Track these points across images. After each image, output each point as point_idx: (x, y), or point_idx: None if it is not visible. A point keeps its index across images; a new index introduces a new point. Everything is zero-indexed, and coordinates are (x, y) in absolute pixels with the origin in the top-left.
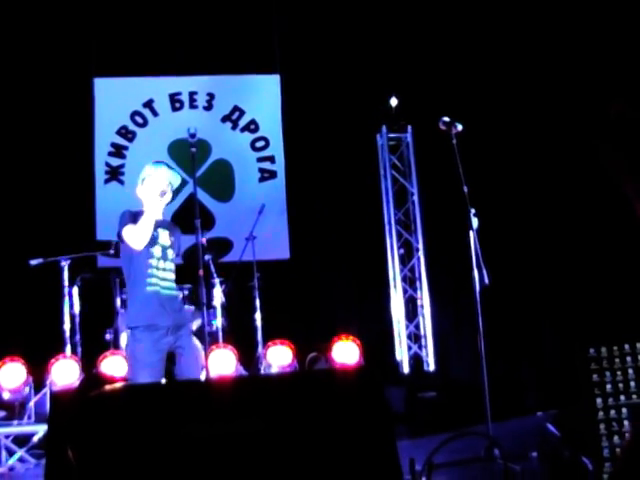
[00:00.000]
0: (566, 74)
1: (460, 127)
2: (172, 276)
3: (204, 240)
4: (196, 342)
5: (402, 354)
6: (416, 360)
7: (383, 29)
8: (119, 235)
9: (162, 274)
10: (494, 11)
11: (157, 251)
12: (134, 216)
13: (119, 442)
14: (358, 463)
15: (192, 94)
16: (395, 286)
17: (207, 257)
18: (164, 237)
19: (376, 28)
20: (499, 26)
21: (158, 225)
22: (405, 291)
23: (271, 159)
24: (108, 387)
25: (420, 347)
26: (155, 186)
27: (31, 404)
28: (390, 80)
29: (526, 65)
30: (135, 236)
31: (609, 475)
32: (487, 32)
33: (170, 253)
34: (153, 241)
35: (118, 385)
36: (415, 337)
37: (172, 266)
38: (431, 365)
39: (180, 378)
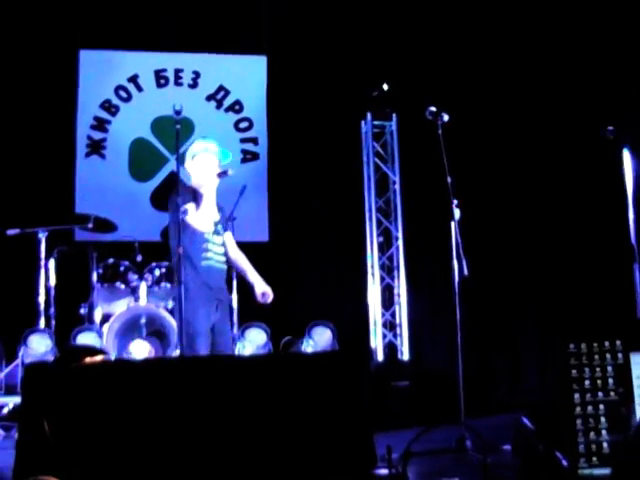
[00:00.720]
0: (554, 64)
1: (446, 117)
2: (223, 250)
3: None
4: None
5: (377, 342)
6: (390, 348)
7: (372, 15)
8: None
9: (216, 249)
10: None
11: (211, 226)
12: (190, 192)
13: (94, 415)
14: (333, 448)
15: (178, 71)
16: (373, 274)
17: None
18: (215, 213)
19: (365, 14)
20: (487, 16)
21: None
22: (382, 279)
23: (254, 140)
24: (88, 360)
25: (395, 336)
26: (209, 164)
27: (2, 375)
28: (377, 67)
29: (514, 57)
30: (201, 220)
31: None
32: (475, 22)
33: (220, 228)
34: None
35: (98, 358)
36: (390, 325)
37: (222, 241)
38: (405, 354)
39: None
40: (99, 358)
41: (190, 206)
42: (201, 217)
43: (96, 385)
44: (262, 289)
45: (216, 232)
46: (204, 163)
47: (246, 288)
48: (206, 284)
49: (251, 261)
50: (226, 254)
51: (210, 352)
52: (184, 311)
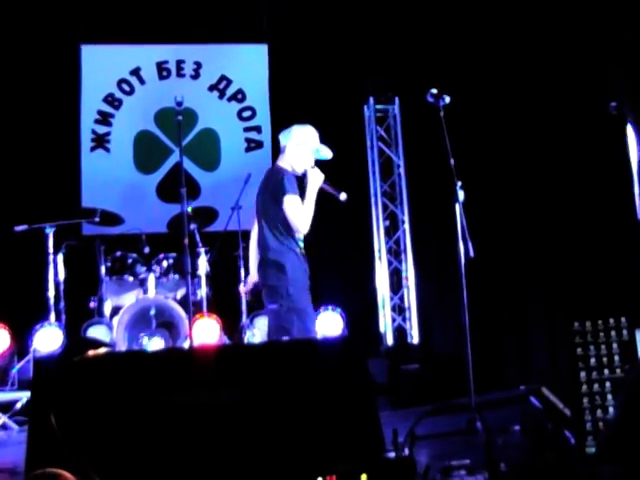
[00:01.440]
0: (555, 41)
1: (448, 99)
2: None
3: (189, 209)
4: None
5: (386, 326)
6: (400, 332)
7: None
8: (283, 196)
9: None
10: None
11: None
12: (295, 181)
13: (101, 408)
14: (341, 434)
15: (179, 62)
16: (380, 258)
17: (192, 226)
18: None
19: None
20: None
21: None
22: (390, 263)
23: (257, 129)
24: (91, 353)
25: (404, 319)
26: (312, 156)
27: (14, 371)
28: (378, 51)
29: (514, 36)
30: (305, 219)
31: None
32: (475, 3)
33: None
34: None
35: (101, 351)
36: (399, 309)
37: None
38: (415, 337)
39: None
40: (102, 351)
41: (296, 197)
42: (305, 207)
43: (102, 377)
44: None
45: None
46: (310, 156)
47: None
48: (306, 271)
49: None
50: None
51: None
52: (293, 295)
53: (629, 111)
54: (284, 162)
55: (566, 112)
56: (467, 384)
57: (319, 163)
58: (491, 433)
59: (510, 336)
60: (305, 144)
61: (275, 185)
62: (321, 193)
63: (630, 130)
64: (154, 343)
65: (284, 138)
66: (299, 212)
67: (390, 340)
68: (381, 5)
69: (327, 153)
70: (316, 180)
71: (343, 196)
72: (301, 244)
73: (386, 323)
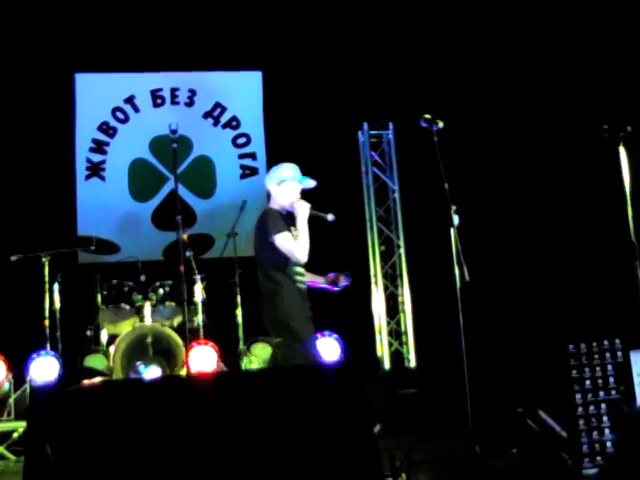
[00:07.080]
0: (547, 65)
1: (441, 124)
2: None
3: (185, 236)
4: None
5: (383, 350)
6: (397, 356)
7: (365, 25)
8: (270, 238)
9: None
10: (475, 7)
11: None
12: (284, 220)
13: (97, 437)
14: (338, 459)
15: (173, 90)
16: (376, 283)
17: (188, 253)
18: None
19: (358, 24)
20: (479, 20)
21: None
22: (386, 288)
23: (252, 156)
24: (86, 382)
25: (401, 344)
26: (295, 190)
27: (11, 400)
28: (372, 77)
29: (506, 60)
30: (302, 250)
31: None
32: (468, 26)
33: None
34: None
35: (96, 380)
36: (396, 334)
37: None
38: (412, 361)
39: None
40: (97, 380)
41: (285, 234)
42: (300, 238)
43: (97, 406)
44: None
45: None
46: (293, 192)
47: (251, 303)
48: (305, 301)
49: (255, 276)
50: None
51: None
52: (294, 327)
53: None
54: (272, 203)
55: (560, 135)
56: (464, 408)
57: (310, 191)
58: (489, 456)
59: (506, 359)
60: (285, 180)
61: (261, 229)
62: (312, 219)
63: (622, 151)
64: (151, 371)
65: (267, 182)
66: (293, 246)
67: (387, 365)
68: (375, 31)
69: (310, 182)
70: (303, 210)
71: (330, 217)
72: (299, 277)
73: (383, 348)
